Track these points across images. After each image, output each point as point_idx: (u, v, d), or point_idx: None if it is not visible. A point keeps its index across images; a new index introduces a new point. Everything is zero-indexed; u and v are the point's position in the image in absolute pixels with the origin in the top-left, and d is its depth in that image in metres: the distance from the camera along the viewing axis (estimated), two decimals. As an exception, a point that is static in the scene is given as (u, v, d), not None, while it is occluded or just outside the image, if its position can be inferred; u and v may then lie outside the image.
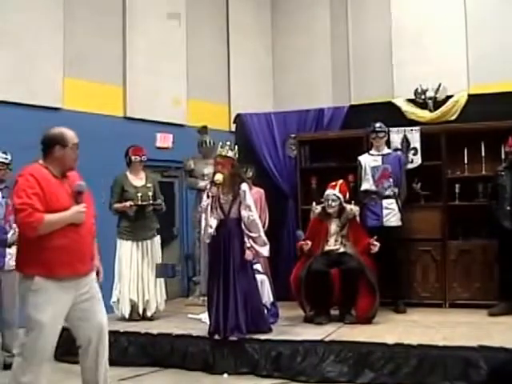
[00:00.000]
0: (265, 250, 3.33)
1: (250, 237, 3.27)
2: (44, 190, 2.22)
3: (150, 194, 3.96)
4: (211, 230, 3.34)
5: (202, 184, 4.70)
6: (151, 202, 3.95)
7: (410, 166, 4.28)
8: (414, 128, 4.32)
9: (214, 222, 3.34)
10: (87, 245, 2.35)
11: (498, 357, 2.83)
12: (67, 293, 2.26)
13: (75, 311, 2.30)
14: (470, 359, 2.85)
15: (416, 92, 4.51)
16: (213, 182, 3.35)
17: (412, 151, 4.31)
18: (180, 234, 5.86)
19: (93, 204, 2.43)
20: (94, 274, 2.41)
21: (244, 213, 3.28)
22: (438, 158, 4.21)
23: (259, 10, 7.28)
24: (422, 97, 4.50)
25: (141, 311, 3.94)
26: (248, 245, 3.28)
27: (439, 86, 4.45)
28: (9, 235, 3.36)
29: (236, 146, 3.44)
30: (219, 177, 3.29)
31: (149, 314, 3.95)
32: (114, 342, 3.42)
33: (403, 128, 4.35)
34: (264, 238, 3.33)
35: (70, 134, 2.38)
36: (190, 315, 4.02)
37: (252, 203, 3.32)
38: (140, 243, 3.96)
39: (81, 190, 2.31)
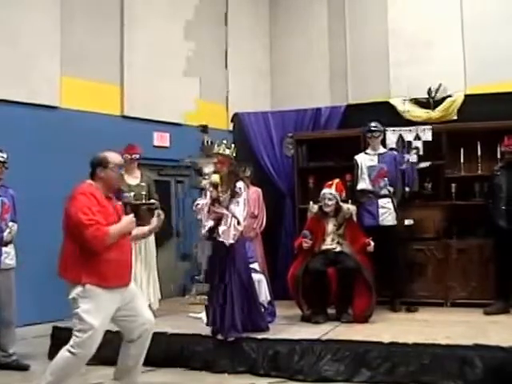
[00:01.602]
0: (225, 235, 3.20)
1: (227, 223, 3.19)
2: (103, 207, 2.47)
3: (144, 192, 3.94)
4: (204, 231, 3.34)
5: (203, 183, 4.70)
6: (144, 201, 3.93)
7: (422, 165, 4.22)
8: (426, 127, 4.27)
9: (210, 223, 3.34)
10: (130, 256, 2.62)
11: (494, 356, 2.84)
12: (114, 299, 2.51)
13: (122, 312, 2.55)
14: (466, 358, 2.86)
15: (429, 91, 4.48)
16: (211, 183, 3.34)
17: (413, 150, 4.31)
18: (176, 233, 5.86)
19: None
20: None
21: (231, 206, 3.26)
22: (437, 157, 4.22)
23: (257, 9, 7.28)
24: (420, 97, 4.50)
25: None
26: (225, 213, 3.20)
27: (439, 85, 4.46)
28: (4, 234, 3.34)
29: (234, 145, 3.44)
30: (215, 178, 3.29)
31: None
32: (109, 341, 3.42)
33: (399, 128, 4.36)
34: (234, 233, 3.21)
35: (112, 156, 2.60)
36: (190, 314, 4.00)
37: (243, 200, 3.28)
38: (133, 242, 3.94)
39: (128, 202, 2.59)
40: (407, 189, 4.12)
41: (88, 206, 2.41)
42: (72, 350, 2.43)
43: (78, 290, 2.42)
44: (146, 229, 2.74)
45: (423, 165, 4.25)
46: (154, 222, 2.69)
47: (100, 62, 5.26)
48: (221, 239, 3.23)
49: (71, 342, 2.44)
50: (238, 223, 3.24)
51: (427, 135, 4.27)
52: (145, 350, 2.68)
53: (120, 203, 2.62)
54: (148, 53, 5.72)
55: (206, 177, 4.59)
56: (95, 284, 2.42)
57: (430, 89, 4.48)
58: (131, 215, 2.51)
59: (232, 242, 3.23)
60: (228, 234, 3.22)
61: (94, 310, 2.42)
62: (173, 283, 5.35)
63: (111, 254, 2.44)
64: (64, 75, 4.97)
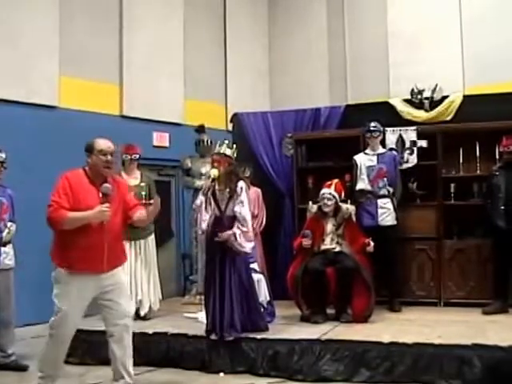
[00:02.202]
0: (248, 246, 3.31)
1: (240, 230, 3.26)
2: (73, 191, 2.51)
3: (144, 193, 3.94)
4: (204, 225, 3.35)
5: (199, 183, 4.70)
6: (144, 201, 3.93)
7: (405, 165, 4.30)
8: (409, 128, 4.35)
9: (206, 218, 3.35)
10: (112, 244, 2.56)
11: (492, 355, 2.85)
12: (86, 285, 2.52)
13: (102, 302, 2.60)
14: (465, 357, 2.87)
15: (412, 92, 4.54)
16: (209, 176, 3.36)
17: (408, 151, 4.34)
18: (177, 233, 5.86)
19: (128, 200, 2.69)
20: (118, 269, 2.64)
21: (236, 208, 3.28)
22: (433, 157, 4.24)
23: (256, 9, 7.28)
24: (419, 97, 4.52)
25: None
26: (231, 232, 3.23)
27: (436, 86, 4.48)
28: (3, 234, 3.33)
29: (235, 145, 3.44)
30: (214, 171, 3.29)
31: (142, 313, 3.93)
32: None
33: (399, 128, 4.37)
34: (251, 234, 3.32)
35: (98, 142, 2.64)
36: (186, 314, 4.01)
37: (246, 199, 3.31)
38: (133, 242, 3.94)
39: (105, 192, 2.53)
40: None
41: (57, 188, 2.51)
42: (48, 331, 2.56)
43: (53, 273, 2.55)
44: (144, 213, 2.70)
45: (407, 165, 4.26)
46: (152, 206, 2.69)
47: (99, 61, 5.25)
48: (245, 251, 3.30)
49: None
50: (246, 227, 3.26)
51: (411, 135, 4.28)
52: (129, 350, 2.67)
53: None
54: (147, 53, 5.71)
55: (203, 177, 4.60)
56: (64, 268, 2.50)
57: (412, 90, 4.50)
58: (105, 205, 2.49)
59: (251, 248, 3.31)
60: (244, 245, 3.27)
61: (62, 294, 2.51)
62: (173, 283, 5.35)
63: (82, 240, 2.46)
64: (63, 75, 4.96)
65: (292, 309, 3.80)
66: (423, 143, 4.27)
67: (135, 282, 3.91)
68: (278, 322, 3.66)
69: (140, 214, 2.67)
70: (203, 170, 4.74)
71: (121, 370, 2.65)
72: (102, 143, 2.62)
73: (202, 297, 3.68)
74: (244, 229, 3.27)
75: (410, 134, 4.32)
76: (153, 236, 4.09)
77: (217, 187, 3.35)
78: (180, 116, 6.02)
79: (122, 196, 2.65)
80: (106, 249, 2.51)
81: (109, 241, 2.52)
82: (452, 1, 6.27)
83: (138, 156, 4.06)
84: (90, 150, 2.60)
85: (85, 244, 2.47)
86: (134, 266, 3.93)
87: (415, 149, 4.30)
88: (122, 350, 2.64)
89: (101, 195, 2.52)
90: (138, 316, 3.92)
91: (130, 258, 3.91)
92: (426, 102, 4.49)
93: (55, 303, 2.54)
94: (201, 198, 3.38)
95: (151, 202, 3.97)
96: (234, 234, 3.25)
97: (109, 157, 2.59)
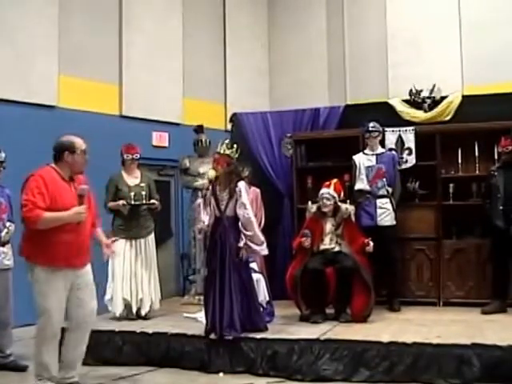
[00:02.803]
0: (262, 248, 3.33)
1: (246, 235, 3.27)
2: (49, 190, 2.52)
3: (144, 193, 3.93)
4: (203, 225, 3.35)
5: (198, 183, 4.71)
6: (144, 201, 3.93)
7: (404, 166, 4.31)
8: (408, 128, 4.35)
9: (205, 218, 3.35)
10: (85, 242, 2.66)
11: (491, 354, 2.86)
12: (65, 282, 2.58)
13: (72, 297, 2.63)
14: (464, 357, 2.88)
15: (411, 92, 4.55)
16: (207, 178, 3.37)
17: (406, 151, 4.35)
18: (175, 232, 5.85)
19: (93, 204, 2.76)
20: (89, 267, 2.72)
21: (239, 211, 3.28)
22: (432, 157, 4.25)
23: (256, 9, 7.28)
24: (417, 97, 4.53)
25: (134, 310, 3.92)
26: (242, 243, 3.27)
27: (433, 86, 4.49)
28: (2, 234, 3.33)
29: (235, 145, 3.44)
30: (211, 173, 3.30)
31: (143, 312, 3.93)
32: (109, 341, 3.43)
33: (398, 128, 4.38)
34: (260, 235, 3.32)
35: (78, 142, 2.69)
36: (185, 314, 4.00)
37: (247, 201, 3.31)
38: (134, 242, 3.94)
39: (82, 194, 2.58)
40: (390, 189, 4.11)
41: (31, 187, 2.50)
42: (36, 334, 2.56)
43: (32, 272, 2.55)
44: (100, 234, 2.81)
45: (405, 166, 4.26)
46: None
47: (98, 61, 5.24)
48: (258, 249, 3.31)
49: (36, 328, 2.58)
50: (251, 231, 3.26)
51: (409, 136, 4.29)
52: (84, 348, 2.70)
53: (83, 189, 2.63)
54: (146, 52, 5.71)
55: (202, 176, 4.60)
56: (44, 266, 2.52)
57: (411, 90, 4.50)
58: (82, 206, 2.55)
59: (265, 248, 3.33)
60: (256, 248, 3.29)
61: (44, 292, 2.52)
62: (172, 283, 5.35)
63: (59, 237, 2.50)
64: (62, 74, 4.95)
65: (291, 309, 3.80)
66: (411, 144, 4.26)
67: (135, 282, 3.90)
68: (277, 321, 3.66)
69: (98, 232, 2.79)
70: (202, 170, 4.74)
71: (71, 365, 2.68)
72: (82, 143, 2.67)
73: (201, 297, 3.69)
74: (250, 233, 3.26)
75: (407, 135, 4.33)
76: (153, 235, 4.09)
77: (217, 187, 3.35)
78: (179, 116, 6.01)
79: (89, 195, 2.70)
80: (82, 244, 2.60)
81: (83, 237, 2.61)
82: (451, 2, 6.28)
83: (139, 156, 4.06)
84: (70, 149, 2.61)
85: (63, 240, 2.51)
86: (134, 266, 3.92)
87: (413, 149, 4.31)
88: (79, 348, 2.68)
89: (78, 196, 2.56)
90: (138, 316, 3.92)
91: (130, 257, 3.92)
92: (425, 102, 4.51)
93: (38, 303, 2.54)
94: (200, 199, 3.39)
95: (151, 202, 4.00)
96: (246, 244, 3.27)
97: (87, 156, 2.68)
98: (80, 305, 2.64)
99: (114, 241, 2.95)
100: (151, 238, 4.06)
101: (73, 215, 2.52)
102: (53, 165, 2.63)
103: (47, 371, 2.57)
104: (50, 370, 2.58)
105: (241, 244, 3.27)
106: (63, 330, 2.68)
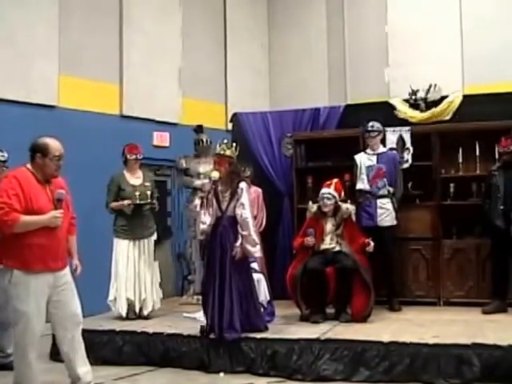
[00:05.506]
0: (255, 250, 3.30)
1: (241, 235, 3.27)
2: (24, 192, 2.44)
3: (149, 192, 3.94)
4: (204, 226, 3.35)
5: (197, 183, 4.71)
6: (149, 200, 3.93)
7: (405, 165, 4.30)
8: (404, 128, 4.35)
9: (207, 219, 3.35)
10: (61, 244, 2.59)
11: (491, 354, 2.86)
12: (43, 285, 2.50)
13: (52, 302, 2.55)
14: (464, 357, 2.88)
15: (410, 92, 4.54)
16: (210, 178, 3.36)
17: (407, 151, 4.35)
18: (172, 232, 5.85)
19: (70, 208, 2.67)
20: (67, 269, 2.64)
21: (237, 210, 3.28)
22: (431, 157, 4.24)
23: (256, 9, 7.28)
24: (417, 97, 4.53)
25: (137, 310, 3.92)
26: (239, 243, 3.26)
27: (430, 86, 4.49)
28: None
29: (235, 145, 3.44)
30: (215, 174, 3.30)
31: (145, 312, 3.94)
32: (109, 341, 3.43)
33: (399, 128, 4.38)
34: (254, 237, 3.28)
35: (53, 146, 2.55)
36: (185, 314, 4.00)
37: (247, 201, 3.31)
38: (137, 242, 3.94)
39: (60, 198, 2.52)
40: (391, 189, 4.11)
41: (6, 188, 2.42)
42: (14, 343, 2.49)
43: (8, 276, 2.47)
44: (73, 243, 2.72)
45: (406, 165, 4.26)
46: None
47: (98, 60, 5.24)
48: (252, 251, 3.29)
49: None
50: (247, 231, 3.24)
51: (408, 136, 4.29)
52: (81, 351, 2.62)
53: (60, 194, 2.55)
54: (147, 52, 5.70)
55: (201, 176, 4.60)
56: (21, 269, 2.44)
57: (411, 90, 4.50)
58: (58, 211, 2.48)
59: (259, 250, 3.31)
60: (250, 249, 3.27)
61: (22, 296, 2.43)
62: (170, 283, 5.34)
63: (35, 240, 2.44)
64: (62, 74, 4.95)
65: (291, 308, 3.80)
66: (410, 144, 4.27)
67: (139, 282, 3.90)
68: (277, 321, 3.66)
69: (71, 243, 2.68)
70: (201, 170, 4.74)
71: (77, 371, 2.61)
72: (57, 147, 2.55)
73: (200, 297, 3.68)
74: (245, 232, 3.25)
75: (406, 135, 4.33)
76: (155, 235, 4.10)
77: (219, 188, 3.35)
78: (179, 116, 6.01)
79: (66, 200, 2.62)
80: (57, 247, 2.52)
81: (58, 240, 2.53)
82: (451, 1, 6.28)
83: (142, 156, 4.06)
84: (43, 152, 2.50)
85: (41, 243, 2.45)
86: (137, 266, 3.92)
87: (411, 149, 4.31)
88: (75, 352, 2.60)
89: (55, 200, 2.50)
90: (140, 315, 3.92)
91: (133, 257, 3.92)
92: (424, 102, 4.50)
93: (15, 308, 2.44)
94: (198, 200, 3.38)
95: (154, 202, 4.00)
96: (241, 245, 3.25)
97: (61, 162, 2.56)
98: (62, 306, 2.56)
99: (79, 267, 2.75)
100: (153, 238, 4.06)
101: (49, 219, 2.45)
102: (28, 166, 2.53)
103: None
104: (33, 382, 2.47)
105: (238, 243, 3.26)
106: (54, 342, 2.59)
